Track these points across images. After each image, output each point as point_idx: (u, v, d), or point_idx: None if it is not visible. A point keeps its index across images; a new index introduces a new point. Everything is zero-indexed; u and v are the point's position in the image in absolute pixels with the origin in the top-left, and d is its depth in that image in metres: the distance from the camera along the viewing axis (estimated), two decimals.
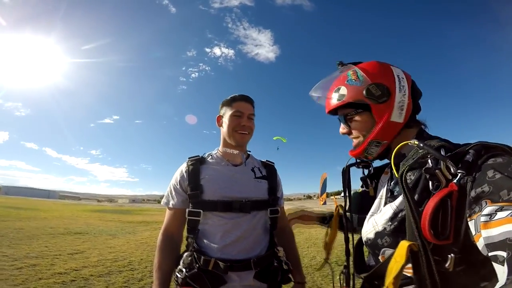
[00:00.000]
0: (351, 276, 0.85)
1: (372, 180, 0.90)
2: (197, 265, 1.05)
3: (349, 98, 0.76)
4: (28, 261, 4.09)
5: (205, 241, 1.10)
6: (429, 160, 0.59)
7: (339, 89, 0.79)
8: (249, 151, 1.34)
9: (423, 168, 0.59)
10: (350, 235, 0.89)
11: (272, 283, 1.13)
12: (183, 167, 1.21)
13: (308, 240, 7.19)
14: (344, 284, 0.87)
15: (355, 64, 0.80)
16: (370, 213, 0.80)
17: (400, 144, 0.66)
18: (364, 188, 0.92)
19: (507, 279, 0.39)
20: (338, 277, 0.93)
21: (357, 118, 0.78)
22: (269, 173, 1.30)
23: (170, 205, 1.18)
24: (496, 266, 0.44)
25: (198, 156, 1.26)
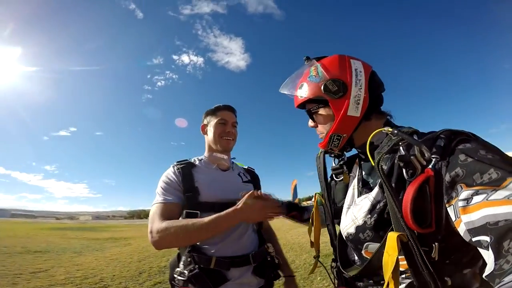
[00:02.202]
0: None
1: (344, 169, 0.89)
2: (197, 265, 1.06)
3: (309, 94, 0.79)
4: None
5: (203, 241, 1.12)
6: (401, 148, 0.60)
7: (302, 85, 0.82)
8: (233, 158, 1.41)
9: (397, 156, 0.60)
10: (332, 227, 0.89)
11: (268, 278, 1.20)
12: (173, 169, 1.21)
13: (285, 245, 7.30)
14: (336, 280, 0.87)
15: (318, 59, 0.82)
16: (346, 206, 0.81)
17: (374, 132, 0.67)
18: (336, 178, 0.92)
19: (495, 264, 0.40)
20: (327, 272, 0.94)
21: (320, 112, 0.81)
22: (253, 178, 1.41)
23: (169, 200, 1.13)
24: (482, 251, 0.44)
25: (185, 160, 1.29)
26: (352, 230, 0.73)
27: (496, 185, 0.44)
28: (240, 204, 1.06)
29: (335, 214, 0.88)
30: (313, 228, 1.01)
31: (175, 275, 1.07)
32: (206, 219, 1.03)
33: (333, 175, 0.92)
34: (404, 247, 0.55)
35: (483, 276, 0.42)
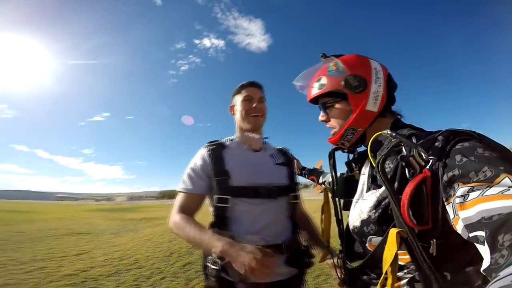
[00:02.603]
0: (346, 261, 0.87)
1: (356, 164, 0.93)
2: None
3: (328, 87, 0.81)
4: (35, 264, 4.12)
5: (234, 228, 1.08)
6: (403, 148, 0.63)
7: (320, 79, 0.84)
8: (266, 138, 1.35)
9: (399, 156, 0.63)
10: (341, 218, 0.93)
11: (302, 267, 1.15)
12: (203, 152, 1.19)
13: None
14: (342, 270, 0.90)
15: (336, 56, 0.84)
16: (355, 200, 0.84)
17: (376, 134, 0.70)
18: (348, 173, 0.95)
19: (491, 258, 0.40)
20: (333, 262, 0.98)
21: (335, 106, 0.83)
22: (286, 159, 1.33)
23: (190, 189, 1.14)
24: (479, 246, 0.45)
25: (216, 141, 1.26)
26: (357, 223, 0.77)
27: (490, 181, 0.46)
28: (237, 248, 0.90)
29: (345, 207, 0.91)
30: (323, 218, 1.07)
31: (208, 264, 0.99)
32: (200, 235, 0.99)
33: (347, 170, 0.95)
34: (405, 243, 0.59)
35: (481, 270, 0.42)
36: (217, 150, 1.18)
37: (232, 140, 1.29)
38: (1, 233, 7.34)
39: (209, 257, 0.99)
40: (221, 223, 1.08)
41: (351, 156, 0.95)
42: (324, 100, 0.86)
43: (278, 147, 1.41)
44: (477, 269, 0.59)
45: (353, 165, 0.93)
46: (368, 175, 0.84)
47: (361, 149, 0.93)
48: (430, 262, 0.56)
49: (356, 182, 0.89)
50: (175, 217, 1.09)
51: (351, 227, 0.81)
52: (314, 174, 1.52)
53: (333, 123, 0.86)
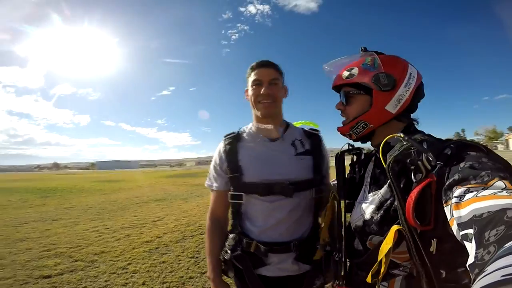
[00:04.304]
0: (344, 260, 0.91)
1: (360, 167, 0.95)
2: (240, 247, 1.09)
3: (357, 78, 0.82)
4: (123, 232, 5.05)
5: (247, 223, 1.12)
6: (413, 152, 0.65)
7: (352, 69, 0.85)
8: (288, 122, 1.25)
9: (408, 159, 0.64)
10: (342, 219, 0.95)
11: (314, 266, 1.10)
12: (220, 147, 1.19)
13: None
14: (337, 267, 0.93)
15: (377, 53, 0.84)
16: (357, 201, 0.86)
17: (389, 136, 0.71)
18: (352, 174, 0.97)
19: (476, 253, 0.41)
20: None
21: (356, 98, 0.85)
22: (313, 145, 1.19)
23: (214, 188, 1.18)
24: (467, 244, 0.46)
25: (233, 132, 1.22)
26: (360, 223, 0.80)
27: (485, 183, 0.48)
28: (216, 284, 1.16)
29: (348, 208, 0.93)
30: (325, 218, 1.07)
31: (222, 252, 1.15)
32: (208, 252, 1.20)
33: (350, 171, 0.98)
34: (405, 240, 0.63)
35: (466, 265, 0.43)
36: (232, 144, 1.16)
37: (248, 129, 1.22)
38: (100, 203, 9.07)
39: (224, 248, 1.15)
40: (236, 218, 1.15)
41: (352, 157, 1.00)
42: (348, 89, 0.87)
43: (307, 129, 1.26)
44: (466, 270, 0.57)
45: (357, 166, 0.96)
46: (371, 176, 0.86)
47: (365, 151, 0.98)
48: (427, 260, 0.60)
49: (358, 185, 0.91)
50: (207, 221, 1.23)
51: (353, 226, 0.84)
52: None
53: (348, 113, 0.87)
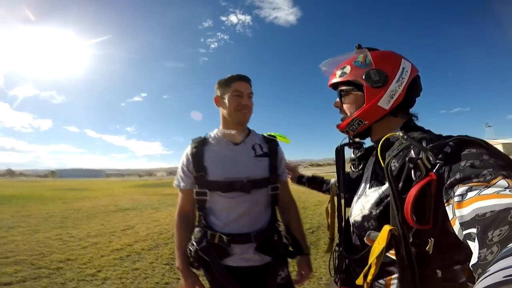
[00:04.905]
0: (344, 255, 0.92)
1: (360, 161, 0.95)
2: (205, 239, 1.20)
3: (349, 76, 0.84)
4: (90, 240, 4.77)
5: (212, 217, 1.24)
6: (412, 151, 0.65)
7: (344, 67, 0.87)
8: (250, 129, 1.40)
9: (407, 158, 0.64)
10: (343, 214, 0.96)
11: (275, 256, 1.24)
12: (188, 150, 1.31)
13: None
14: (337, 261, 0.96)
15: (370, 50, 0.85)
16: (357, 196, 0.87)
17: (388, 135, 0.72)
18: (352, 168, 0.97)
19: (480, 253, 0.40)
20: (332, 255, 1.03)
21: (351, 95, 0.86)
22: (271, 149, 1.35)
23: (181, 187, 1.30)
24: (470, 243, 0.46)
25: (200, 137, 1.35)
26: (359, 218, 0.80)
27: (488, 182, 0.48)
28: (186, 274, 1.25)
29: (347, 202, 0.93)
30: (329, 214, 1.12)
31: (189, 246, 1.25)
32: (177, 244, 1.29)
33: (351, 166, 0.98)
34: (395, 240, 0.62)
35: (470, 265, 0.43)
36: (198, 148, 1.28)
37: (214, 134, 1.35)
38: (62, 211, 8.43)
39: (190, 241, 1.25)
40: (201, 213, 1.27)
41: (353, 151, 0.97)
42: (342, 87, 0.89)
43: (266, 134, 1.43)
44: (463, 268, 0.62)
45: (358, 161, 0.96)
46: (372, 171, 0.87)
47: (366, 145, 0.96)
48: (418, 260, 0.60)
49: (358, 179, 0.92)
50: (176, 216, 1.34)
51: (352, 221, 0.85)
52: (315, 182, 1.42)
53: (345, 110, 0.89)
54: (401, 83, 0.78)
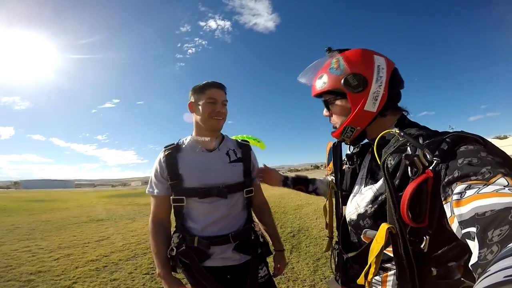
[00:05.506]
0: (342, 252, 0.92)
1: (357, 158, 0.95)
2: (185, 243, 1.22)
3: (328, 86, 0.83)
4: (62, 252, 4.54)
5: (190, 222, 1.26)
6: (408, 148, 0.64)
7: (322, 76, 0.85)
8: (223, 135, 1.42)
9: (403, 154, 0.64)
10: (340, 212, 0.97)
11: (254, 255, 1.29)
12: (161, 156, 1.29)
13: (317, 211, 7.47)
14: (336, 259, 0.97)
15: (341, 51, 0.84)
16: (352, 193, 0.88)
17: (384, 132, 0.71)
18: (348, 165, 0.98)
19: (480, 253, 0.40)
20: (331, 253, 1.05)
21: (336, 104, 0.85)
22: (244, 154, 1.38)
23: (155, 193, 1.28)
24: (469, 242, 0.45)
25: (173, 144, 1.33)
26: (354, 216, 0.81)
27: (487, 180, 0.47)
28: (168, 281, 1.22)
29: (344, 200, 0.94)
30: (327, 212, 1.12)
31: (169, 251, 1.26)
32: (154, 251, 1.26)
33: (347, 162, 0.98)
34: (392, 238, 0.62)
35: (469, 265, 0.43)
36: (172, 154, 1.28)
37: (187, 140, 1.35)
38: (29, 223, 7.90)
39: (170, 246, 1.26)
40: (178, 218, 1.28)
41: (349, 147, 0.98)
42: (326, 97, 0.88)
43: (239, 140, 1.46)
44: (458, 264, 0.63)
45: (355, 158, 0.96)
46: (368, 169, 0.88)
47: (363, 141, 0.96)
48: (413, 258, 0.60)
49: (354, 176, 0.94)
50: (150, 223, 1.31)
51: (348, 219, 0.86)
52: (301, 183, 1.38)
53: (335, 119, 0.88)
54: (381, 82, 0.76)
